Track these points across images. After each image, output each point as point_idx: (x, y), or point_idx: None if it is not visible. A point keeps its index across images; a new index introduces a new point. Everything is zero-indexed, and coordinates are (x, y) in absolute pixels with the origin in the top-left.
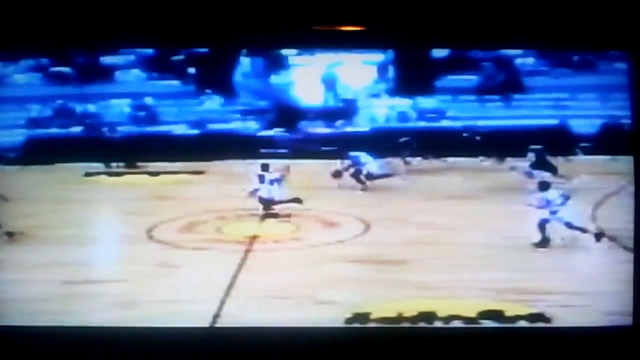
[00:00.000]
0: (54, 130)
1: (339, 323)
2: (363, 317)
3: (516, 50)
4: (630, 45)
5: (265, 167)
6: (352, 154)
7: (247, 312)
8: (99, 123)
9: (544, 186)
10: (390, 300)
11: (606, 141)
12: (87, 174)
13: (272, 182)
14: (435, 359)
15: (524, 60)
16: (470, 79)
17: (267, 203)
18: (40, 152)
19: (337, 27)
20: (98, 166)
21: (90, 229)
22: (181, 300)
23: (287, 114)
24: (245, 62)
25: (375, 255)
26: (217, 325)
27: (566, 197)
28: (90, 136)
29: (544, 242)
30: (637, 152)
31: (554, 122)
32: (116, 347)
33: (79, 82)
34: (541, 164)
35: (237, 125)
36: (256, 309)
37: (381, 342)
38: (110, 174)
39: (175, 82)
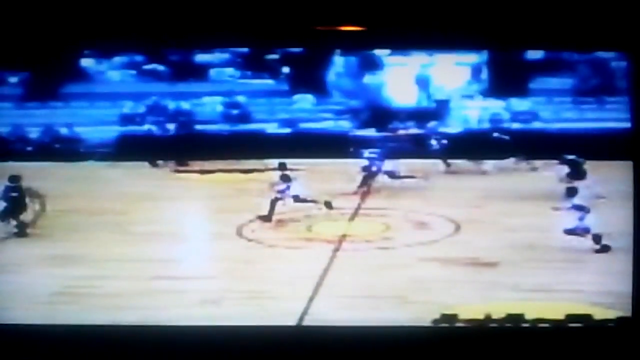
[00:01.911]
0: (146, 127)
1: (427, 323)
2: (451, 317)
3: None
4: None
5: (283, 166)
6: (367, 154)
7: (334, 311)
8: (191, 121)
9: (572, 192)
10: (479, 301)
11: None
12: (178, 171)
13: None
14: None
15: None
16: (564, 80)
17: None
18: (131, 148)
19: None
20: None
21: (180, 226)
22: (269, 297)
23: (379, 113)
24: (338, 62)
25: (465, 256)
26: (305, 323)
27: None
28: (182, 133)
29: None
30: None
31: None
32: (202, 345)
33: (172, 79)
34: (577, 172)
35: (329, 124)
36: (344, 307)
37: (468, 343)
38: (201, 172)
39: (269, 81)
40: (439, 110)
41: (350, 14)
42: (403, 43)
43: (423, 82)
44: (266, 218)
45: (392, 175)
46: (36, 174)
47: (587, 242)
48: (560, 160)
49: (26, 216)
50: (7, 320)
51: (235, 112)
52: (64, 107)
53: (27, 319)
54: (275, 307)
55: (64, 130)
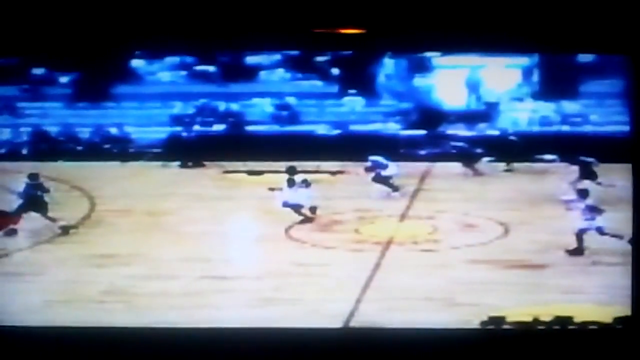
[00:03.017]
0: (196, 128)
1: (474, 325)
2: (499, 320)
3: None
4: None
5: (292, 171)
6: (372, 158)
7: (381, 313)
8: (241, 122)
9: (584, 194)
10: (527, 303)
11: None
12: (227, 172)
13: (299, 186)
14: None
15: None
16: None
17: (295, 208)
18: (181, 149)
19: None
20: (238, 164)
21: (229, 226)
22: (316, 299)
23: (428, 115)
24: (389, 64)
25: (513, 259)
26: (351, 325)
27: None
28: (232, 134)
29: (579, 251)
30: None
31: None
32: (249, 346)
33: (223, 80)
34: (588, 174)
35: (378, 126)
36: (391, 309)
37: (516, 345)
38: (250, 173)
39: (319, 83)
40: (489, 113)
41: (401, 17)
42: (454, 46)
43: (473, 85)
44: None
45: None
46: (86, 174)
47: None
48: (575, 163)
49: (61, 214)
50: (57, 319)
51: (284, 113)
52: (115, 108)
53: (77, 318)
54: (322, 309)
55: (114, 131)
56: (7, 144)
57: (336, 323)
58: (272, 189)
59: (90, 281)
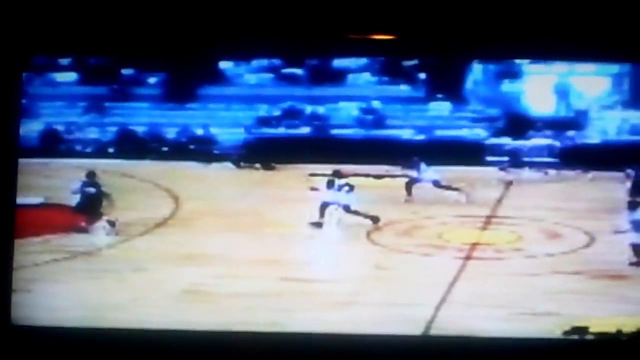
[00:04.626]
0: (281, 131)
1: (557, 335)
2: (582, 330)
3: None
4: None
5: (336, 174)
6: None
7: (462, 321)
8: (326, 125)
9: (633, 205)
10: (611, 314)
11: None
12: (312, 175)
13: (340, 188)
14: None
15: None
16: None
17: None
18: (266, 151)
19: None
20: (323, 167)
21: (311, 229)
22: (395, 304)
23: (516, 122)
24: (477, 69)
25: (597, 269)
26: (431, 332)
27: None
28: (316, 137)
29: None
30: None
31: None
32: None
33: (309, 83)
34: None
35: (465, 132)
36: (472, 317)
37: (599, 356)
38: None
39: (405, 87)
40: (577, 120)
41: (491, 24)
42: (544, 53)
43: (562, 92)
44: (318, 224)
45: (436, 184)
46: (171, 174)
47: None
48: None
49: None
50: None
51: (370, 117)
52: (201, 109)
53: (155, 318)
54: (401, 314)
55: (200, 131)
56: (95, 142)
57: (416, 330)
58: (313, 189)
59: (169, 280)
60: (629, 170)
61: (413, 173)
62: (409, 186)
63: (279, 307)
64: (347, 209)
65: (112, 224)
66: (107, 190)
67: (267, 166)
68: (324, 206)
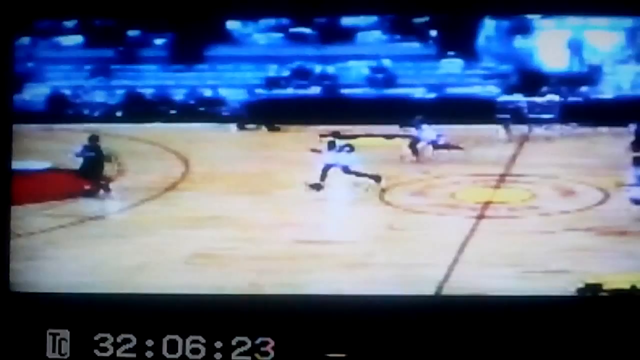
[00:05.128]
0: (290, 91)
1: (570, 293)
2: (595, 287)
3: None
4: None
5: (335, 135)
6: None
7: (475, 280)
8: (336, 85)
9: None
10: (625, 271)
11: None
12: (322, 136)
13: (341, 149)
14: None
15: None
16: None
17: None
18: (276, 112)
19: None
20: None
21: (323, 190)
22: (408, 264)
23: (529, 79)
24: (489, 25)
25: (612, 225)
26: (444, 292)
27: None
28: (327, 98)
29: None
30: None
31: None
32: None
33: (318, 43)
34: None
35: (477, 89)
36: (485, 277)
37: (613, 312)
38: (345, 137)
39: (416, 45)
40: (591, 76)
41: None
42: (556, 8)
43: (575, 47)
44: (317, 186)
45: (435, 145)
46: (180, 137)
47: None
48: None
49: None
50: (145, 283)
51: (380, 76)
52: (209, 70)
53: (165, 281)
54: (414, 274)
55: (208, 93)
56: (102, 106)
57: (429, 290)
58: (314, 150)
59: (180, 244)
60: (631, 125)
61: (413, 132)
62: (413, 146)
63: (290, 270)
64: (346, 169)
65: (106, 188)
66: (109, 153)
67: (272, 127)
68: (326, 169)
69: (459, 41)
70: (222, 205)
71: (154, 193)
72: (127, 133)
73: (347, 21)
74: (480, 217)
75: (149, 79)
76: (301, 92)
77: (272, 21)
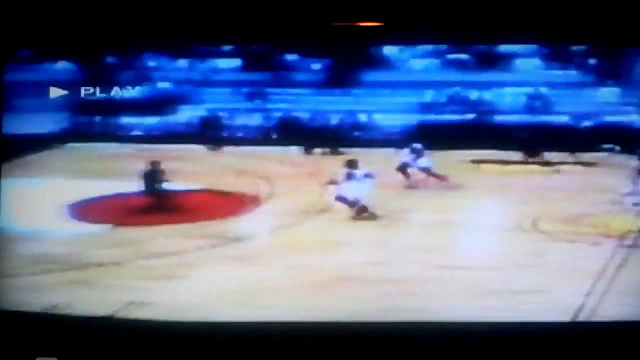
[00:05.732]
0: (446, 117)
1: None
2: None
3: None
4: None
5: (353, 164)
6: (414, 145)
7: (613, 308)
8: (492, 110)
9: None
10: None
11: None
12: (474, 161)
13: (360, 179)
14: None
15: None
16: None
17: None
18: (431, 137)
19: None
20: (486, 153)
21: (475, 216)
22: (545, 291)
23: None
24: None
25: None
26: (579, 319)
27: None
28: (482, 123)
29: None
30: None
31: None
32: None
33: (476, 69)
34: None
35: (633, 117)
36: (623, 305)
37: None
38: (500, 162)
39: (574, 72)
40: None
41: None
42: None
43: None
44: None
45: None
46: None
47: None
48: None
49: None
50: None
51: (537, 103)
52: (365, 95)
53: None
54: (551, 301)
55: (363, 118)
56: (258, 129)
57: (564, 317)
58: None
59: (317, 268)
60: None
61: (407, 157)
62: (403, 169)
63: (430, 294)
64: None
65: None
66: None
67: (334, 152)
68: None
69: (616, 70)
70: (358, 229)
71: (303, 217)
72: (277, 155)
73: (504, 48)
74: (632, 246)
75: (305, 103)
76: (456, 117)
77: (429, 47)
